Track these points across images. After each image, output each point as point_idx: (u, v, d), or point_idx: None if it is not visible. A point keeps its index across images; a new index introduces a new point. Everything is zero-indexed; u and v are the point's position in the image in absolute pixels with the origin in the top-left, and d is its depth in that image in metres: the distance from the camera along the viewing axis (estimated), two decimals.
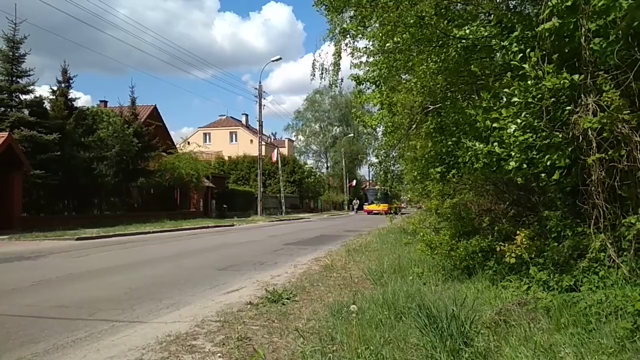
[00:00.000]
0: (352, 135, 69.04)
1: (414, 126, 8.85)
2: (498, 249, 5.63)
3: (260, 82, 46.52)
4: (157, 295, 6.71)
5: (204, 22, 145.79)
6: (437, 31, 6.04)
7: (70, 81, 25.97)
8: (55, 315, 5.48)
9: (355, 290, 6.18)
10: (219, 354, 3.97)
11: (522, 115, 4.29)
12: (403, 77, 8.80)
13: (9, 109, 22.95)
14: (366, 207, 52.35)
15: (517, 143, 4.31)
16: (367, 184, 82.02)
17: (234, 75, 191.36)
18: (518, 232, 5.52)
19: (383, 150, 13.43)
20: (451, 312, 3.86)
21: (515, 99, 4.29)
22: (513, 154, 4.40)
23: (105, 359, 3.92)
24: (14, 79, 23.32)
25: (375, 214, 47.01)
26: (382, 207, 46.84)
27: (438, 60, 6.40)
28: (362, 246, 12.35)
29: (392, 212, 34.30)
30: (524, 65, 4.24)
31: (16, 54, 23.28)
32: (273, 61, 39.45)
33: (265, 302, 5.87)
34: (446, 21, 6.11)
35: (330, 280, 7.48)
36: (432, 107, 7.58)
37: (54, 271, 9.05)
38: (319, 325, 4.66)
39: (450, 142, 6.83)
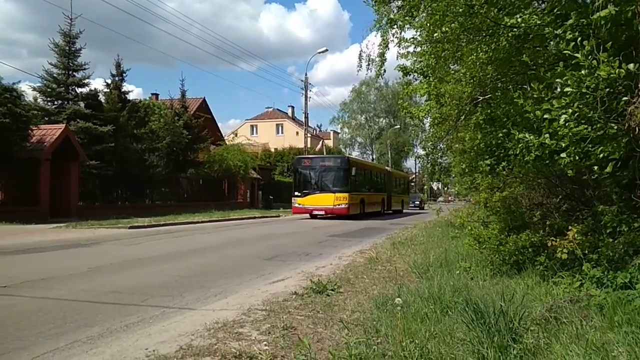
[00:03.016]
0: (398, 126, 68.23)
1: (462, 117, 8.66)
2: (549, 244, 5.45)
3: (306, 74, 46.47)
4: (205, 283, 6.88)
5: (251, 14, 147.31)
6: (487, 20, 5.87)
7: (124, 74, 26.90)
8: (109, 301, 5.70)
9: (400, 284, 6.14)
10: (264, 342, 4.03)
11: (575, 105, 4.13)
12: (452, 67, 8.61)
13: (66, 102, 23.96)
14: (297, 202, 24.90)
15: (570, 135, 4.15)
16: (415, 176, 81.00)
17: (280, 67, 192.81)
18: (570, 227, 5.33)
19: (430, 142, 13.20)
20: (499, 308, 3.78)
21: (568, 89, 4.13)
22: (564, 145, 4.24)
23: (156, 343, 4.05)
24: (70, 72, 24.30)
25: (316, 216, 24.95)
26: (332, 199, 23.91)
27: (488, 50, 6.23)
28: (407, 239, 12.24)
29: (358, 211, 25.35)
30: (576, 55, 4.07)
31: (72, 49, 24.25)
32: (319, 53, 39.45)
33: (310, 292, 5.91)
34: (497, 9, 5.93)
35: (374, 273, 7.46)
36: (481, 98, 7.39)
37: (108, 258, 9.43)
38: (364, 317, 4.66)
39: (500, 134, 6.65)
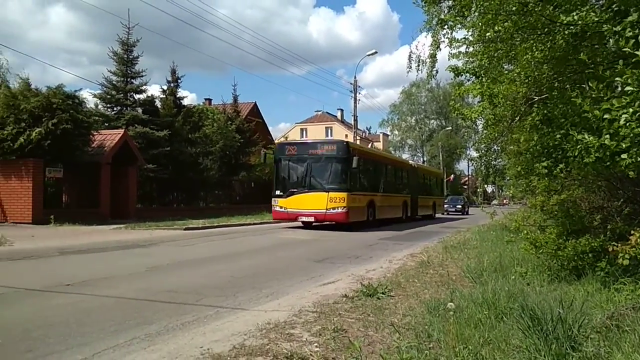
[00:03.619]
0: (450, 128, 67.11)
1: (517, 118, 8.44)
2: (610, 249, 5.22)
3: (355, 77, 46.47)
4: (257, 284, 6.99)
5: (300, 18, 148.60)
6: (542, 18, 5.70)
7: (179, 81, 27.75)
8: (165, 300, 5.88)
9: (452, 288, 6.04)
10: (315, 344, 4.06)
11: (636, 105, 3.94)
12: (505, 67, 8.41)
13: (124, 108, 24.94)
14: (278, 204, 18.63)
15: (631, 135, 3.97)
16: (467, 178, 79.32)
17: (329, 70, 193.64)
18: (633, 231, 5.08)
19: (483, 144, 12.91)
20: (557, 315, 3.65)
21: (628, 87, 3.95)
22: (625, 146, 4.06)
23: (210, 342, 4.15)
24: (128, 79, 25.29)
25: (310, 224, 19.05)
26: (325, 200, 17.67)
27: (544, 49, 6.04)
28: (460, 243, 12.01)
29: (365, 217, 19.09)
30: (637, 53, 3.89)
31: (130, 57, 25.22)
32: (368, 55, 39.25)
33: (361, 295, 5.90)
34: (552, 7, 5.74)
35: (426, 277, 7.36)
36: (537, 98, 7.17)
37: (164, 258, 9.74)
38: (415, 321, 4.61)
39: (558, 135, 6.42)
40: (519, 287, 5.48)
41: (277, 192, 18.66)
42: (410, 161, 33.63)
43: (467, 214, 41.69)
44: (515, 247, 7.99)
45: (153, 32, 79.90)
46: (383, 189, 22.32)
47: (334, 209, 17.47)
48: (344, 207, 17.45)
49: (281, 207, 18.33)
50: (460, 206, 42.89)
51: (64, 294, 6.16)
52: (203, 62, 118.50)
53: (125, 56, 25.09)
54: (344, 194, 17.48)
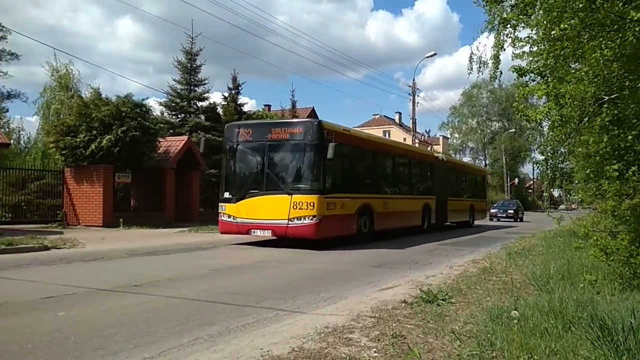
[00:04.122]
0: (513, 130, 64.97)
1: (585, 119, 8.07)
2: None
3: (413, 79, 45.98)
4: (315, 288, 7.04)
5: (358, 22, 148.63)
6: (611, 14, 5.44)
7: (239, 88, 28.43)
8: (227, 301, 6.03)
9: (516, 296, 5.84)
10: (374, 349, 4.04)
11: None
12: (572, 66, 8.07)
13: (188, 115, 25.82)
14: (225, 211, 13.20)
15: None
16: (532, 182, 76.50)
17: (387, 73, 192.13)
18: None
19: (549, 146, 12.39)
20: (629, 325, 3.47)
21: None
22: None
23: (269, 344, 4.22)
24: (192, 87, 26.20)
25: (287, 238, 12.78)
26: (286, 206, 12.25)
27: (613, 46, 5.76)
28: (525, 249, 11.60)
29: (355, 229, 13.76)
30: None
31: (193, 65, 26.13)
32: (427, 57, 38.74)
33: (420, 301, 5.82)
34: (621, 3, 5.47)
35: (489, 284, 7.16)
36: (607, 97, 6.84)
37: (226, 261, 9.99)
38: (477, 329, 4.49)
39: (629, 136, 6.11)
40: (588, 296, 5.24)
41: (226, 195, 13.32)
42: (436, 153, 25.83)
43: (521, 220, 36.50)
44: (584, 254, 7.62)
45: (215, 41, 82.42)
46: (387, 189, 16.75)
47: (298, 218, 12.00)
48: (313, 216, 11.93)
49: (229, 216, 12.98)
50: (512, 211, 36.75)
51: (132, 294, 6.45)
52: (262, 69, 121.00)
53: (189, 65, 26.01)
54: (313, 198, 12.01)
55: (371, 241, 14.13)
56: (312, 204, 12.05)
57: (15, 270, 8.33)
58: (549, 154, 12.87)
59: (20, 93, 41.75)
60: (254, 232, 12.66)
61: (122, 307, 5.71)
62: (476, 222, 26.20)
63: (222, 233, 13.74)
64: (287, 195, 12.24)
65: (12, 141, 29.60)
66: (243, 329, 4.81)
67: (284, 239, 12.82)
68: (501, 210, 36.74)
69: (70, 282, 7.11)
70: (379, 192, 15.88)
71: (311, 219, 12.00)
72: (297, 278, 8.00)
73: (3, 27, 44.59)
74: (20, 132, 34.61)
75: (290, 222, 12.09)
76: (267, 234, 12.62)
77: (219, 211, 13.45)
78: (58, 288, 6.71)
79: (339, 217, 12.99)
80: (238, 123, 16.33)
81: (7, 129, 31.16)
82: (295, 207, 12.13)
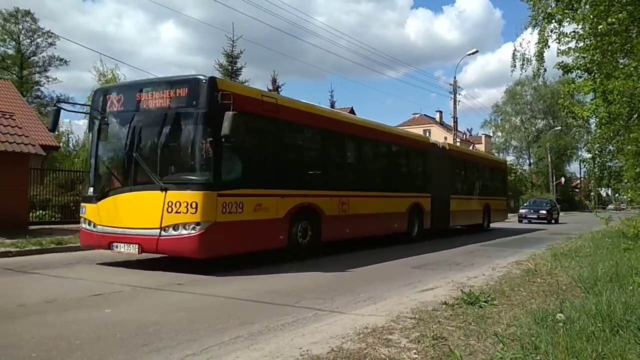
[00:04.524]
0: (559, 128, 63.02)
1: (635, 116, 7.79)
2: None
3: (454, 77, 45.12)
4: (354, 288, 7.04)
5: (397, 21, 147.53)
6: None
7: (279, 89, 28.68)
8: (266, 300, 6.11)
9: (562, 298, 5.67)
10: (414, 351, 4.00)
11: None
12: (620, 61, 7.80)
13: None
14: (85, 214, 9.09)
15: None
16: (579, 181, 74.15)
17: (427, 72, 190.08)
18: None
19: (597, 144, 12.00)
20: None
21: None
22: None
23: (309, 344, 4.24)
24: None
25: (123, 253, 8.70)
26: (156, 209, 8.04)
27: None
28: (571, 250, 11.24)
29: (289, 238, 9.73)
30: None
31: (234, 68, 26.55)
32: (469, 55, 38.02)
33: (461, 303, 5.72)
34: None
35: (533, 286, 6.98)
36: None
37: None
38: (520, 332, 4.39)
39: None
40: (637, 299, 5.04)
41: (89, 192, 9.33)
42: (435, 140, 19.19)
43: (556, 222, 31.87)
44: (634, 256, 7.36)
45: (254, 43, 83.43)
46: (347, 184, 12.03)
47: (175, 227, 7.99)
48: (196, 223, 7.89)
49: (89, 223, 9.06)
50: (544, 212, 31.34)
51: (176, 292, 6.61)
52: (301, 70, 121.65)
53: (230, 67, 26.44)
54: (196, 195, 7.94)
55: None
56: (194, 205, 7.88)
57: (65, 268, 8.65)
58: (596, 152, 12.45)
59: (68, 97, 43.52)
60: (116, 246, 8.51)
61: (166, 305, 5.87)
62: (495, 225, 22.08)
63: (83, 246, 9.68)
64: (160, 192, 8.13)
65: (61, 144, 30.81)
66: (282, 328, 4.86)
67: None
68: (532, 211, 31.77)
69: (118, 281, 7.34)
70: (331, 187, 11.27)
71: (193, 228, 7.88)
72: (337, 278, 7.99)
73: (52, 33, 46.49)
74: (69, 135, 36.01)
75: (163, 233, 8.02)
76: (133, 250, 8.32)
77: (80, 215, 9.40)
78: (105, 286, 6.94)
79: (251, 225, 8.74)
80: (108, 86, 12.75)
81: (56, 132, 32.41)
82: (170, 209, 8.02)
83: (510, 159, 64.87)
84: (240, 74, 26.74)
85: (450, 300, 5.94)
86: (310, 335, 4.52)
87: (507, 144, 71.52)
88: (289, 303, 6.00)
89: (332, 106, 33.26)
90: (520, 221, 30.53)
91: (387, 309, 5.65)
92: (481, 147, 67.18)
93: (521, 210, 32.67)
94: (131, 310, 5.57)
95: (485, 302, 5.74)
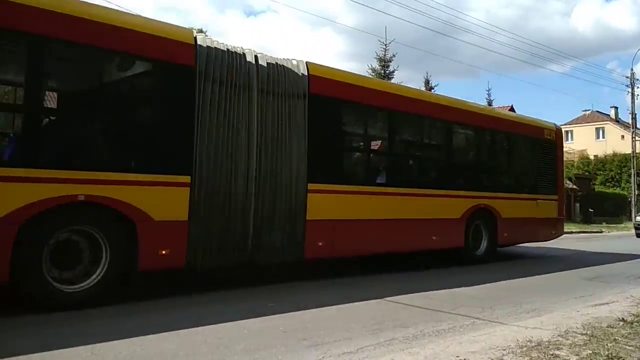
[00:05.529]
0: None
1: None
2: None
3: (632, 69, 39.98)
4: (516, 299, 6.64)
5: (562, 11, 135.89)
6: None
7: (432, 90, 28.17)
8: (421, 305, 6.06)
9: None
10: None
11: None
12: None
13: None
14: None
15: None
16: None
17: (597, 64, 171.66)
18: None
19: None
20: None
21: None
22: None
23: (466, 352, 4.10)
24: None
25: None
26: None
27: None
28: None
29: None
30: None
31: (387, 72, 26.70)
32: None
33: None
34: None
35: None
36: None
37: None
38: None
39: None
40: None
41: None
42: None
43: None
44: None
45: (406, 45, 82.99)
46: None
47: None
48: None
49: None
50: None
51: (331, 290, 6.85)
52: (455, 69, 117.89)
53: (382, 71, 26.67)
54: None
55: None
56: None
57: None
58: None
59: None
60: None
61: (324, 302, 6.07)
62: (549, 243, 13.17)
63: None
64: None
65: None
66: (438, 334, 4.76)
67: None
68: None
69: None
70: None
71: None
72: (493, 286, 7.65)
73: None
74: None
75: None
76: None
77: None
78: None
79: None
80: None
81: None
82: None
83: None
84: (392, 77, 26.83)
85: (629, 317, 5.33)
86: (468, 344, 4.37)
87: None
88: (444, 309, 5.86)
89: (489, 105, 31.69)
90: (638, 235, 21.45)
91: (553, 322, 5.25)
92: None
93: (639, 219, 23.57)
94: (292, 305, 5.86)
95: None
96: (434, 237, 9.14)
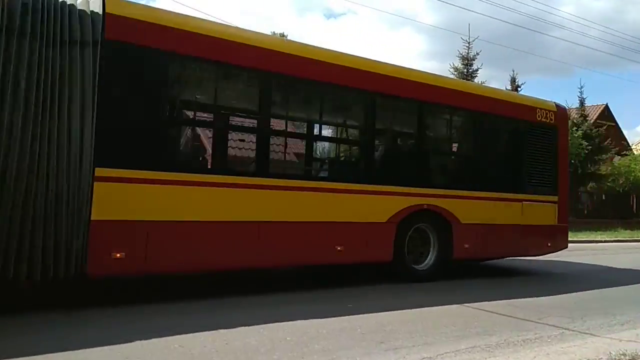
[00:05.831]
0: None
1: None
2: None
3: None
4: (609, 309, 6.24)
5: None
6: None
7: (519, 89, 27.04)
8: (505, 313, 5.84)
9: None
10: None
11: None
12: None
13: None
14: None
15: None
16: None
17: None
18: None
19: None
20: None
21: None
22: None
23: None
24: None
25: None
26: None
27: None
28: None
29: None
30: None
31: (469, 70, 25.91)
32: None
33: None
34: None
35: None
36: None
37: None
38: None
39: None
40: None
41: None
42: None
43: None
44: None
45: (490, 42, 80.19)
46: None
47: None
48: None
49: None
50: None
51: (412, 294, 6.79)
52: (544, 67, 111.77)
53: (465, 70, 25.91)
54: None
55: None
56: None
57: None
58: None
59: None
60: None
61: (403, 305, 6.03)
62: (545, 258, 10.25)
63: None
64: None
65: None
66: (523, 344, 4.58)
67: None
68: None
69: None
70: None
71: None
72: (584, 296, 7.24)
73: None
74: None
75: None
76: None
77: None
78: None
79: None
80: None
81: None
82: None
83: None
84: (475, 77, 26.00)
85: None
86: (556, 356, 4.18)
87: None
88: (529, 318, 5.61)
89: (582, 104, 29.78)
90: None
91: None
92: None
93: None
94: (371, 306, 5.87)
95: None
96: (339, 248, 6.82)
